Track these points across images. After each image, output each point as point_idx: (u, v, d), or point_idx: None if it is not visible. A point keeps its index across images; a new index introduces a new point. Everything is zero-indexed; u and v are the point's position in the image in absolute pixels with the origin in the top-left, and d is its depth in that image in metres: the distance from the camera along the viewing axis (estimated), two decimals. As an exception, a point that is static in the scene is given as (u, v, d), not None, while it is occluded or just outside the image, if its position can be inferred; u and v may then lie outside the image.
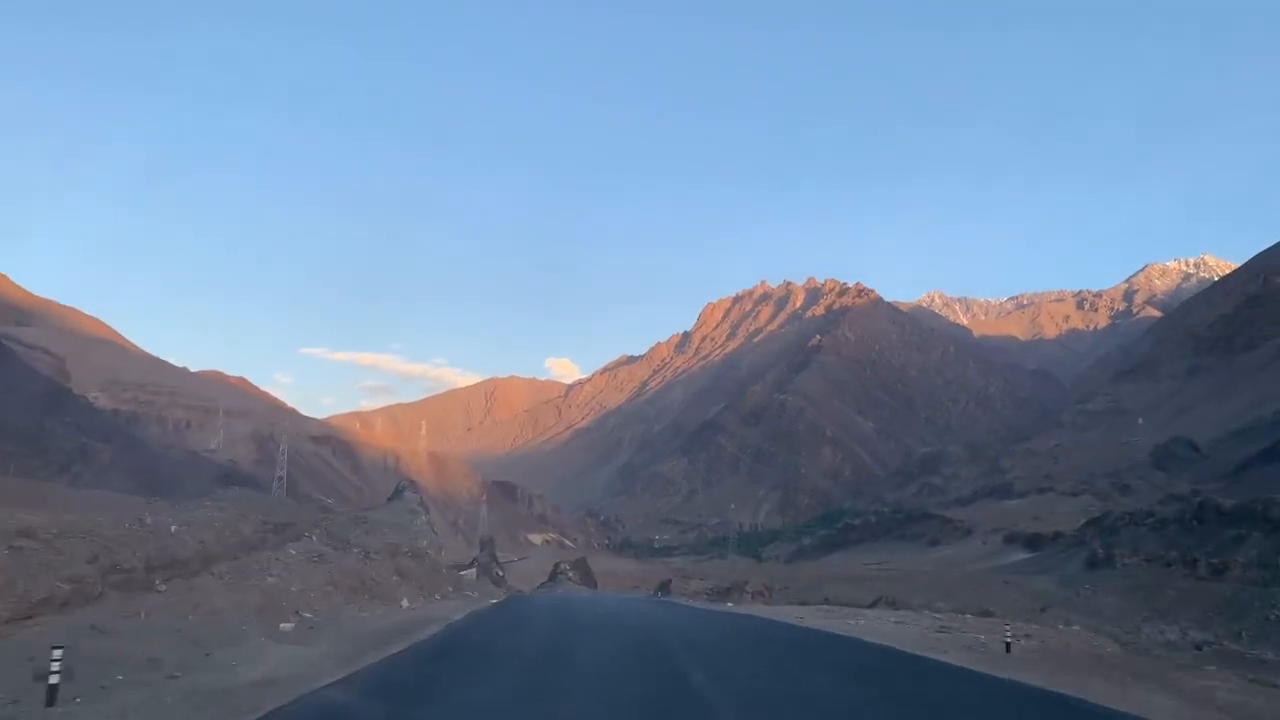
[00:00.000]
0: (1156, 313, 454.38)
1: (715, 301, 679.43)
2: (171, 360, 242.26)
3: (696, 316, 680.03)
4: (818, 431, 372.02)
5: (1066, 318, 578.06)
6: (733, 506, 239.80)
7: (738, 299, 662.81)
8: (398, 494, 58.91)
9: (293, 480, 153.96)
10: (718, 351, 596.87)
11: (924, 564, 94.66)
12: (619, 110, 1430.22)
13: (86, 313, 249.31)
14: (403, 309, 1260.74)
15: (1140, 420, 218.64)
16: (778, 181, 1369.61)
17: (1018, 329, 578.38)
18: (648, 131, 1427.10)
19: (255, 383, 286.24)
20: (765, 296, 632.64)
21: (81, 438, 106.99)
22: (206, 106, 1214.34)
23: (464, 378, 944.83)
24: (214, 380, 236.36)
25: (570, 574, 78.43)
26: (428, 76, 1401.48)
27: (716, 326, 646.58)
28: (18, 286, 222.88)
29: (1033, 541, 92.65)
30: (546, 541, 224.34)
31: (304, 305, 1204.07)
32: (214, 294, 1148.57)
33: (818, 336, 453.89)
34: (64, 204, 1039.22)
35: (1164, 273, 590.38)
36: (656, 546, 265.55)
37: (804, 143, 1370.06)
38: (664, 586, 70.31)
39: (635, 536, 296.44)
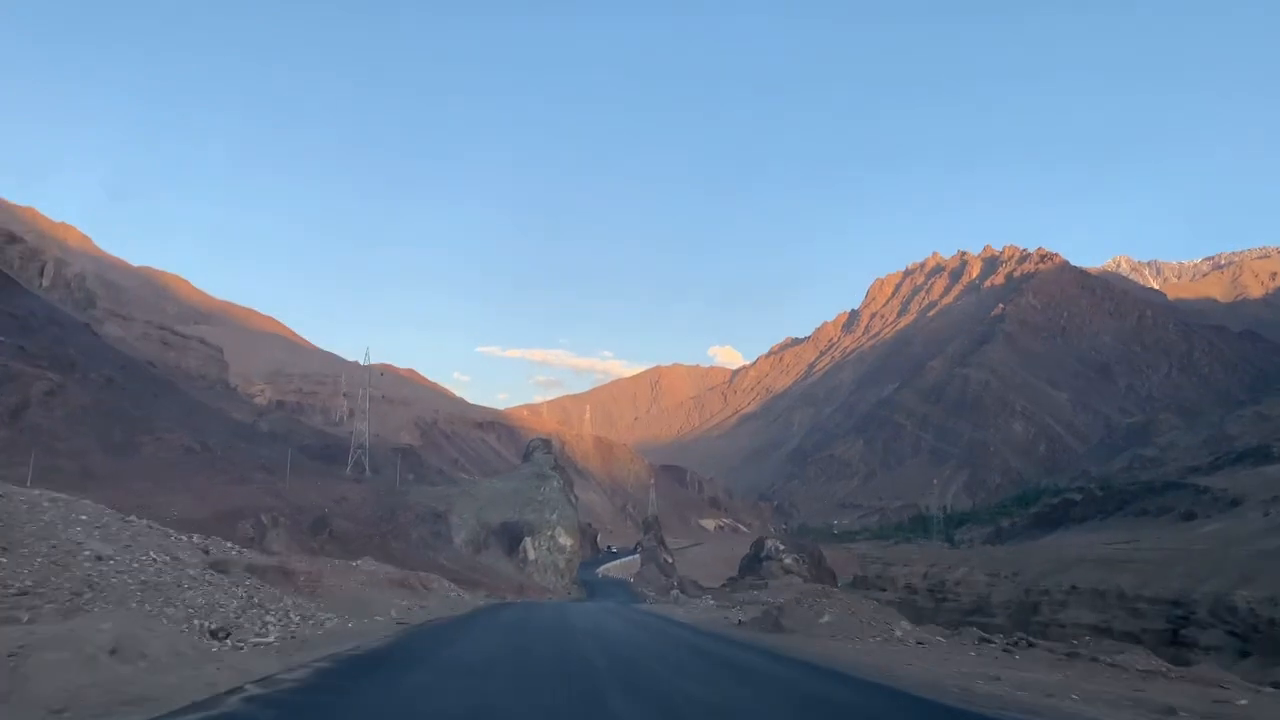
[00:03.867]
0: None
1: (884, 277, 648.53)
2: (344, 355, 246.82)
3: (864, 294, 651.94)
4: (1006, 406, 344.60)
5: (1274, 275, 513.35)
6: (935, 481, 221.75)
7: (908, 273, 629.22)
8: (528, 456, 48.54)
9: (452, 461, 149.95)
10: (888, 329, 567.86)
11: (1188, 542, 76.23)
12: (772, 94, 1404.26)
13: (261, 312, 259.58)
14: (570, 306, 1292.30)
15: None
16: (945, 152, 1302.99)
17: (1217, 290, 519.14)
18: (801, 114, 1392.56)
19: (430, 377, 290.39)
20: (938, 269, 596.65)
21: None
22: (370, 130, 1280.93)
23: (629, 368, 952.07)
24: (383, 372, 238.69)
25: (786, 559, 52.62)
26: (589, 77, 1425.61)
27: (886, 303, 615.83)
28: (198, 290, 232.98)
29: (1341, 512, 72.60)
30: (720, 527, 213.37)
31: (479, 306, 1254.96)
32: (401, 297, 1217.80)
33: (1000, 306, 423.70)
34: (251, 212, 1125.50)
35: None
36: (836, 532, 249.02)
37: (974, 112, 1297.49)
38: None
39: (811, 521, 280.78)
